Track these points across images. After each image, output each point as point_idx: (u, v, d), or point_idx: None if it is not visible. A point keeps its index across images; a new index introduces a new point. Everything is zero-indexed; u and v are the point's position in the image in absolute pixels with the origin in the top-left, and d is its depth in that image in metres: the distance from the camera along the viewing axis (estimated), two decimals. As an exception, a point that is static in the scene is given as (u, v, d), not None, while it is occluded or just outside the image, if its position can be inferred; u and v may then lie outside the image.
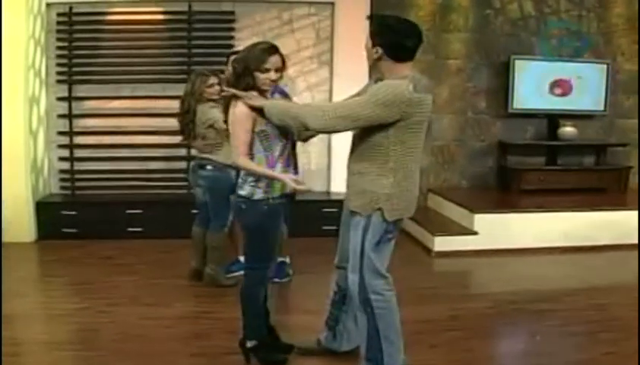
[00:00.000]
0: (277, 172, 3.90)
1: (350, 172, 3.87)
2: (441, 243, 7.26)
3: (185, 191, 7.95)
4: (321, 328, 4.43)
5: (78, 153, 8.14)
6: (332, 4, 8.27)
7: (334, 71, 8.29)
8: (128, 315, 5.18)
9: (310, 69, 8.37)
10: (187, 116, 5.78)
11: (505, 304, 5.62)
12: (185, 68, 7.99)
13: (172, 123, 7.60)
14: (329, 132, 3.79)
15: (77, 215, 7.57)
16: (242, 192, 3.98)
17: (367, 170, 3.73)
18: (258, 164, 3.89)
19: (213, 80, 5.75)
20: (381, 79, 3.71)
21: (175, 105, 7.50)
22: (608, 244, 7.58)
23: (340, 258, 4.17)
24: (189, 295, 5.75)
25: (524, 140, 9.10)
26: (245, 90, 3.83)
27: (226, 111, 3.98)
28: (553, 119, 8.97)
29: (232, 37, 8.13)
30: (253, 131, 3.85)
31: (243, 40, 7.99)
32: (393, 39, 3.70)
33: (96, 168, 8.14)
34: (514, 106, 8.78)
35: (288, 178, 3.81)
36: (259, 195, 3.92)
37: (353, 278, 3.82)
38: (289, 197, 4.05)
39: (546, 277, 6.63)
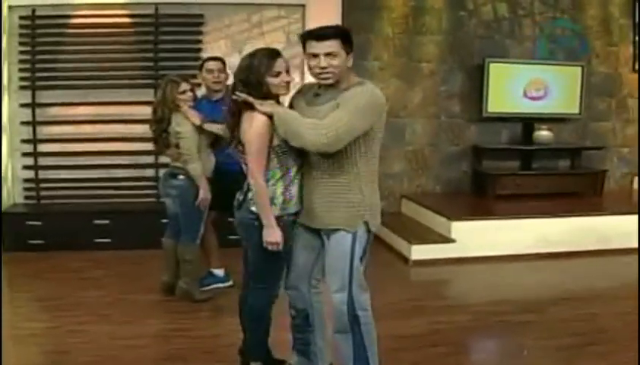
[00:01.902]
0: (294, 192, 3.74)
1: (317, 189, 3.69)
2: (419, 252, 7.11)
3: (153, 199, 7.80)
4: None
5: (43, 161, 7.87)
6: (303, 6, 8.11)
7: (305, 75, 8.02)
8: (100, 334, 4.96)
9: (281, 73, 8.13)
10: (160, 125, 5.52)
11: (488, 316, 5.49)
12: (152, 72, 7.80)
13: (139, 130, 7.48)
14: (324, 152, 3.53)
15: (43, 226, 7.32)
16: (254, 208, 3.72)
17: (341, 184, 3.61)
18: (272, 177, 3.68)
19: (185, 86, 5.49)
20: (346, 89, 3.56)
21: (142, 111, 7.37)
22: (585, 250, 7.49)
23: (294, 279, 3.96)
24: (162, 311, 5.53)
25: (499, 144, 8.99)
26: (260, 98, 3.61)
27: (234, 125, 3.72)
28: (528, 123, 8.87)
29: (200, 41, 7.95)
30: (269, 146, 3.63)
31: (211, 44, 7.92)
32: (352, 40, 3.63)
33: (61, 177, 7.89)
34: (489, 109, 8.65)
35: (275, 237, 3.65)
36: (275, 211, 3.69)
37: (341, 298, 3.65)
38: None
39: (526, 285, 6.51)
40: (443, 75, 8.77)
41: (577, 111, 9.00)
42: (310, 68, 3.60)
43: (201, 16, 7.94)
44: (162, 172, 7.45)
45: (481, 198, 8.60)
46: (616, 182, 9.53)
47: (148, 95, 7.67)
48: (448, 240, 7.28)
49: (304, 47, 3.59)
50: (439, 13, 8.64)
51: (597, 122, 9.37)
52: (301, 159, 3.70)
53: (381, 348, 3.85)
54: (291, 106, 3.80)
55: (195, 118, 5.39)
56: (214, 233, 5.99)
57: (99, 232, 7.38)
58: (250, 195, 3.74)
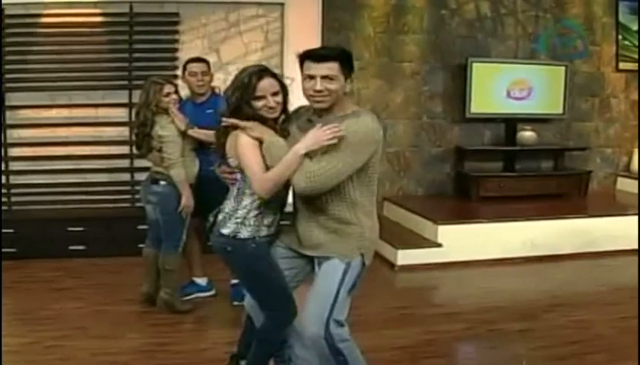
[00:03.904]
0: (267, 222, 3.56)
1: (314, 218, 3.52)
2: (405, 257, 6.96)
3: (129, 205, 7.59)
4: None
5: (13, 166, 7.57)
6: (282, 4, 7.92)
7: (284, 75, 7.81)
8: (79, 350, 4.72)
9: (259, 73, 7.93)
10: (143, 129, 5.26)
11: (481, 324, 5.36)
12: (126, 73, 7.58)
13: (114, 132, 7.25)
14: (309, 195, 3.37)
15: (14, 233, 7.01)
16: (224, 231, 3.54)
17: (338, 215, 3.46)
18: (251, 203, 3.49)
19: (169, 88, 5.26)
20: (341, 118, 3.39)
21: (116, 113, 7.15)
22: (571, 253, 7.44)
23: None
24: (143, 324, 5.29)
25: (482, 145, 8.87)
26: (247, 120, 3.41)
27: (222, 145, 3.52)
28: (511, 123, 8.75)
29: (176, 40, 7.72)
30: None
31: (188, 43, 7.70)
32: (353, 64, 3.48)
33: (33, 182, 7.59)
34: (472, 110, 8.50)
35: None
36: (245, 233, 3.50)
37: (318, 331, 3.43)
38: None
39: (516, 291, 6.44)
40: (425, 75, 8.61)
41: (560, 111, 8.90)
42: (304, 90, 3.41)
43: (176, 14, 7.70)
44: (137, 176, 7.34)
45: (464, 200, 8.48)
46: (599, 183, 9.47)
47: (123, 97, 7.54)
48: (434, 244, 7.15)
49: (301, 67, 3.41)
50: (421, 12, 8.48)
51: (580, 123, 9.30)
52: (285, 190, 3.53)
53: (375, 361, 3.78)
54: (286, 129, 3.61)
55: (181, 122, 5.18)
56: (197, 240, 5.77)
57: (74, 239, 7.11)
58: (220, 216, 3.59)
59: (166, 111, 5.23)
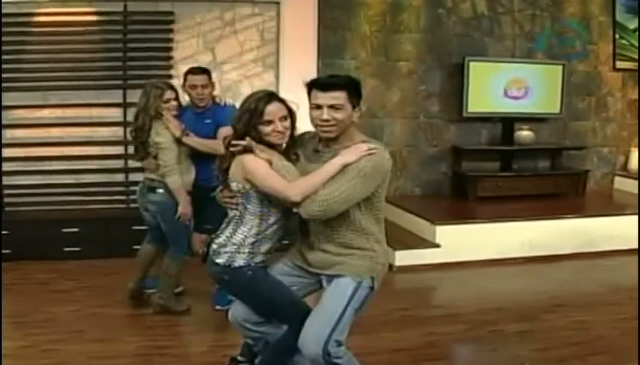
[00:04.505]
0: (264, 250, 3.51)
1: (325, 239, 3.48)
2: (403, 257, 6.91)
3: (124, 205, 7.50)
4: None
5: (7, 166, 7.47)
6: (277, 3, 7.85)
7: (280, 74, 7.87)
8: (76, 354, 4.64)
9: (254, 73, 7.92)
10: (141, 134, 5.16)
11: (482, 326, 5.32)
12: (120, 73, 7.50)
13: (108, 132, 7.17)
14: (317, 219, 3.33)
15: (8, 235, 6.92)
16: (219, 260, 3.48)
17: (352, 246, 3.43)
18: (248, 223, 3.45)
19: (170, 94, 5.17)
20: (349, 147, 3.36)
21: (110, 113, 7.09)
22: (569, 253, 7.43)
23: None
24: (140, 327, 5.22)
25: (479, 145, 8.83)
26: None
27: (225, 170, 3.47)
28: (508, 123, 8.71)
29: (171, 39, 7.64)
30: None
31: (182, 43, 7.66)
32: (361, 92, 3.43)
33: (27, 182, 7.50)
34: (469, 109, 8.45)
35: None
36: (240, 261, 3.45)
37: (316, 350, 3.34)
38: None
39: (515, 291, 6.41)
40: (421, 74, 8.57)
41: (557, 110, 8.87)
42: (312, 119, 3.37)
43: (171, 13, 7.61)
44: (132, 176, 7.28)
45: (462, 200, 8.44)
46: (597, 182, 9.44)
47: (117, 96, 7.47)
48: (433, 245, 7.11)
49: (309, 95, 3.37)
50: (417, 10, 8.43)
51: (577, 122, 9.28)
52: (282, 212, 3.48)
53: (377, 363, 3.82)
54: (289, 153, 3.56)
55: (177, 128, 5.10)
56: None
57: (69, 240, 7.03)
58: (215, 245, 3.53)
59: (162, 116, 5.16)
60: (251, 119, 3.35)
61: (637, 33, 9.27)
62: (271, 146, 3.41)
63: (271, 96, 3.42)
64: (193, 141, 5.14)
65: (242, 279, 3.47)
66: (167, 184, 5.13)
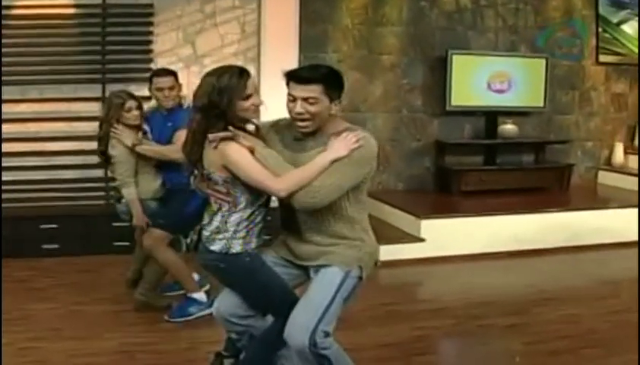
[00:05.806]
0: (255, 232, 3.40)
1: (312, 237, 3.41)
2: (387, 252, 6.70)
3: (103, 202, 7.36)
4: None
5: (-18, 162, 7.35)
6: (259, -4, 7.76)
7: (261, 68, 7.76)
8: (55, 352, 4.52)
9: (236, 67, 7.78)
10: (102, 144, 5.13)
11: (470, 320, 5.26)
12: (99, 66, 7.38)
13: (87, 128, 7.06)
14: (309, 209, 3.25)
15: (-16, 232, 6.81)
16: (213, 248, 3.37)
17: (339, 235, 3.37)
18: (242, 214, 3.33)
19: (131, 103, 5.07)
20: (335, 134, 3.29)
21: (88, 107, 7.00)
22: (554, 247, 7.40)
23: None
24: (121, 324, 5.09)
25: (463, 139, 8.78)
26: (225, 126, 3.20)
27: (196, 156, 3.32)
28: (492, 117, 8.65)
29: (150, 32, 7.53)
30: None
31: (162, 36, 7.54)
32: (342, 85, 3.35)
33: (3, 178, 7.31)
34: (452, 103, 8.39)
35: None
36: (237, 247, 3.34)
37: (302, 341, 3.24)
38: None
39: (502, 285, 6.39)
40: (404, 68, 8.50)
41: (541, 104, 8.84)
42: (288, 110, 3.29)
43: (150, 6, 7.50)
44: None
45: (445, 194, 8.39)
46: (581, 176, 9.42)
47: (96, 90, 7.36)
48: (417, 239, 7.05)
49: (287, 86, 3.29)
50: (399, 3, 8.36)
51: (561, 116, 9.25)
52: (263, 200, 3.40)
53: (366, 359, 3.74)
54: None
55: (127, 138, 5.01)
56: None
57: (47, 238, 6.90)
58: (206, 233, 3.42)
59: (127, 126, 5.07)
60: (233, 96, 3.19)
61: (620, 27, 9.27)
62: (243, 129, 3.30)
63: (244, 69, 3.30)
64: (145, 149, 5.07)
65: (239, 266, 3.37)
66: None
